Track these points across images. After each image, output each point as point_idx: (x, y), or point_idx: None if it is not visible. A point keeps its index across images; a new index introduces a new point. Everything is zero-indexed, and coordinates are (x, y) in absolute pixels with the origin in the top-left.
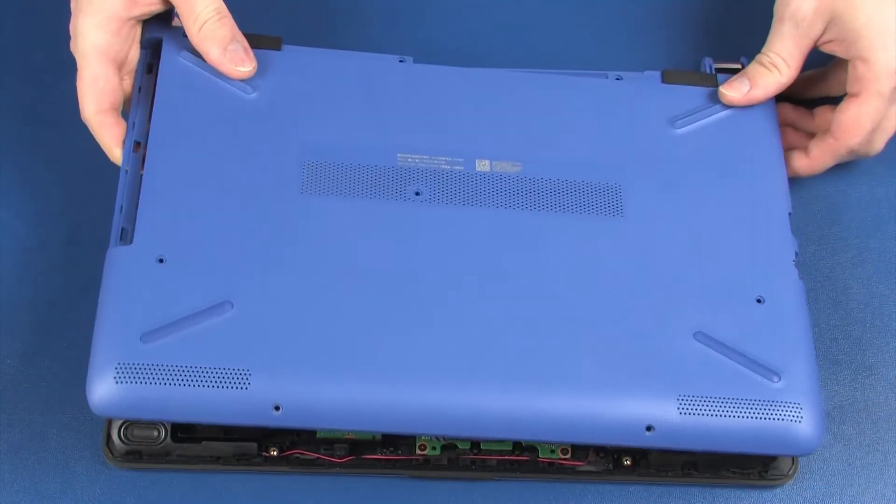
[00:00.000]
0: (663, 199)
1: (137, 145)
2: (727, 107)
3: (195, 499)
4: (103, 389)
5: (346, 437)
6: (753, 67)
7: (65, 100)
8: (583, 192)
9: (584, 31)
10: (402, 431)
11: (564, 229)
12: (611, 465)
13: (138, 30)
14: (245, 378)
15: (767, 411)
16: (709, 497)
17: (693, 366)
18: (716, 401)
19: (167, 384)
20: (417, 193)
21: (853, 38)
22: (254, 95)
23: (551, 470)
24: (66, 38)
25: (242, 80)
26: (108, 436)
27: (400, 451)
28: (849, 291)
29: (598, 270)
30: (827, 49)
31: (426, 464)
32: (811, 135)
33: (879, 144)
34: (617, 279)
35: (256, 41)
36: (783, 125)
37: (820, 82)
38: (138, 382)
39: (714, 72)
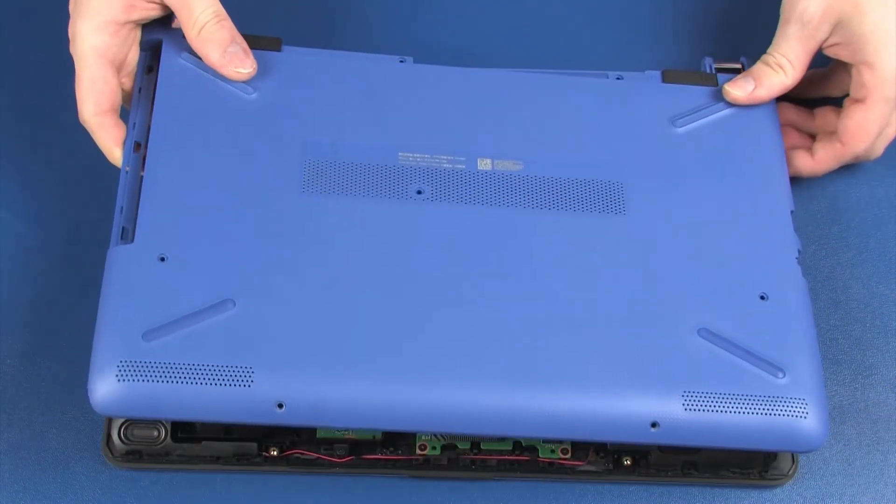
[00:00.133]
0: (665, 197)
1: (138, 146)
2: (728, 106)
3: (195, 499)
4: (105, 388)
5: (346, 437)
6: (759, 67)
7: (65, 100)
8: (585, 191)
9: (584, 32)
10: (405, 429)
11: (566, 227)
12: (611, 465)
13: (137, 33)
14: (248, 376)
15: (773, 407)
16: (709, 497)
17: (698, 362)
18: (721, 397)
19: (170, 382)
20: (419, 192)
21: (859, 42)
22: (254, 96)
23: (551, 470)
24: (65, 38)
25: (243, 82)
26: (108, 436)
27: (400, 451)
28: (849, 291)
29: (601, 268)
30: (831, 53)
31: (426, 464)
32: (812, 135)
33: (880, 149)
34: (620, 277)
35: (256, 42)
36: (784, 125)
37: (821, 83)
38: (141, 381)
39: (714, 71)
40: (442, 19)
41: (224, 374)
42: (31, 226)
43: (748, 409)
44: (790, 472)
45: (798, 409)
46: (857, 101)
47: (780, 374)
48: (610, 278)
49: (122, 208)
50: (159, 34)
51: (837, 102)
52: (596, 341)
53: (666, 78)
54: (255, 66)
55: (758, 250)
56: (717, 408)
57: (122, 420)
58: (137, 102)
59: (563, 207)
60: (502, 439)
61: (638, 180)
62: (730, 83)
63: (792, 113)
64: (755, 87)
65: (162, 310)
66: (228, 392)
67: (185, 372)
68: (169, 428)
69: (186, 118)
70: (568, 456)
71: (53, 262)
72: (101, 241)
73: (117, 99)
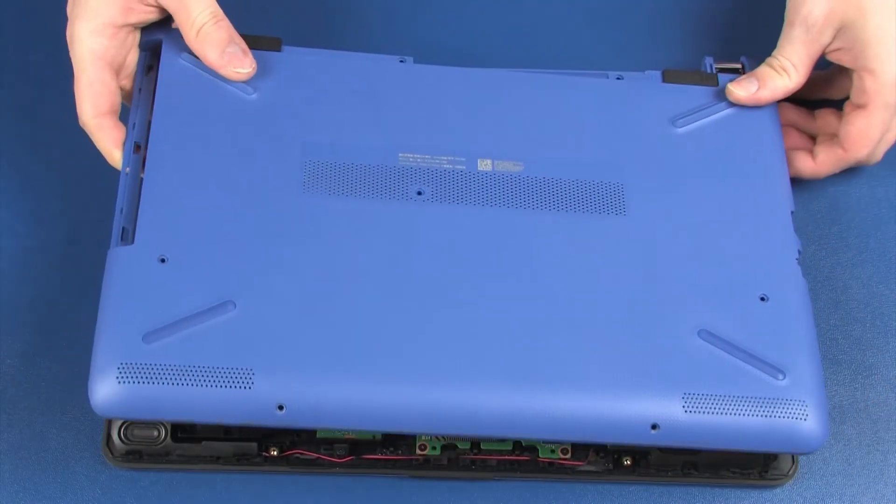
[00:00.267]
0: (665, 197)
1: (137, 147)
2: (729, 106)
3: (195, 499)
4: (106, 390)
5: (346, 437)
6: (763, 69)
7: (64, 100)
8: (585, 191)
9: (585, 32)
10: (406, 431)
11: (567, 228)
12: (611, 465)
13: (136, 36)
14: (248, 378)
15: (773, 409)
16: (709, 497)
17: (698, 364)
18: (721, 399)
19: (170, 384)
20: (419, 193)
21: (861, 47)
22: (254, 96)
23: (551, 470)
24: (66, 38)
25: (242, 82)
26: (108, 436)
27: (400, 451)
28: (849, 291)
29: (602, 269)
30: (834, 58)
31: (426, 464)
32: (813, 136)
33: (880, 154)
34: (620, 277)
35: (256, 42)
36: (785, 125)
37: (822, 85)
38: (141, 382)
39: (715, 71)
40: (442, 19)
41: (224, 375)
42: (31, 226)
43: (748, 411)
44: (790, 473)
45: (798, 410)
46: (859, 107)
47: (780, 376)
48: (610, 279)
49: (122, 209)
50: (159, 34)
51: (838, 104)
52: (596, 342)
53: (666, 78)
54: (254, 65)
55: (758, 251)
56: (717, 409)
57: (123, 420)
58: (137, 103)
59: (564, 208)
60: (502, 440)
61: (638, 180)
62: (733, 83)
63: (793, 114)
64: (758, 89)
65: (162, 311)
66: (229, 394)
67: (186, 374)
68: (169, 428)
69: (186, 119)
70: (568, 456)
71: (53, 262)
72: (101, 241)
73: (116, 101)
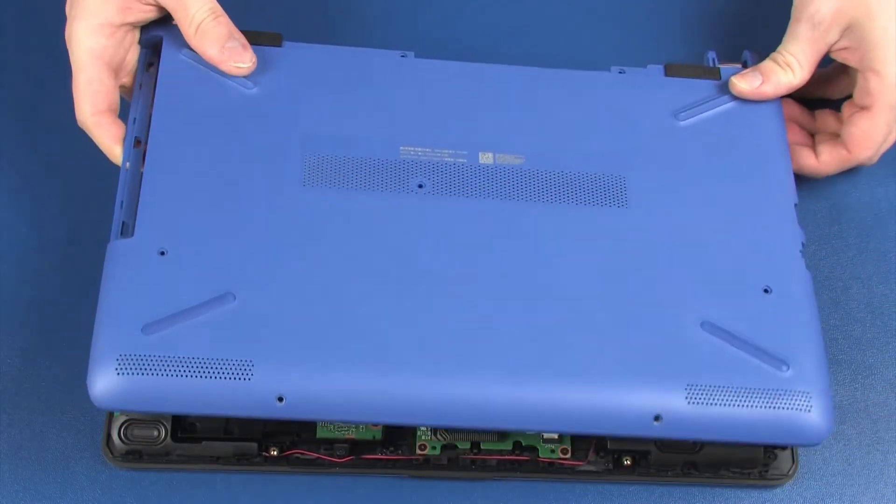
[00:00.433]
0: (668, 189)
1: (138, 142)
2: (732, 99)
3: (195, 499)
4: (105, 381)
5: (347, 437)
6: (767, 64)
7: (64, 100)
8: (587, 184)
9: (586, 32)
10: (407, 423)
11: (569, 220)
12: (611, 465)
13: (134, 34)
14: (248, 369)
15: (776, 400)
16: (709, 497)
17: (701, 355)
18: (724, 390)
19: (169, 376)
20: (420, 186)
21: (867, 48)
22: (255, 90)
23: (551, 470)
24: (65, 38)
25: (243, 77)
26: (108, 436)
27: (400, 451)
28: (849, 291)
29: (604, 261)
30: (839, 57)
31: (426, 464)
32: (813, 134)
33: (878, 155)
34: (622, 269)
35: (257, 38)
36: (788, 121)
37: (821, 84)
38: (140, 374)
39: (717, 66)
40: (442, 18)
41: (224, 367)
42: (31, 226)
43: (752, 403)
44: (790, 472)
45: (802, 402)
46: (863, 108)
47: (784, 367)
48: (612, 271)
49: (122, 203)
50: (159, 32)
51: (835, 105)
52: (598, 334)
53: (669, 72)
54: (254, 60)
55: (761, 243)
56: (720, 401)
57: (123, 420)
58: (137, 98)
59: (565, 201)
60: (503, 437)
61: (640, 173)
62: (737, 76)
63: (795, 110)
64: (762, 83)
65: (162, 303)
66: (228, 385)
67: (185, 365)
68: (169, 428)
69: (187, 113)
70: (568, 456)
71: (53, 262)
72: (101, 241)
73: (114, 99)
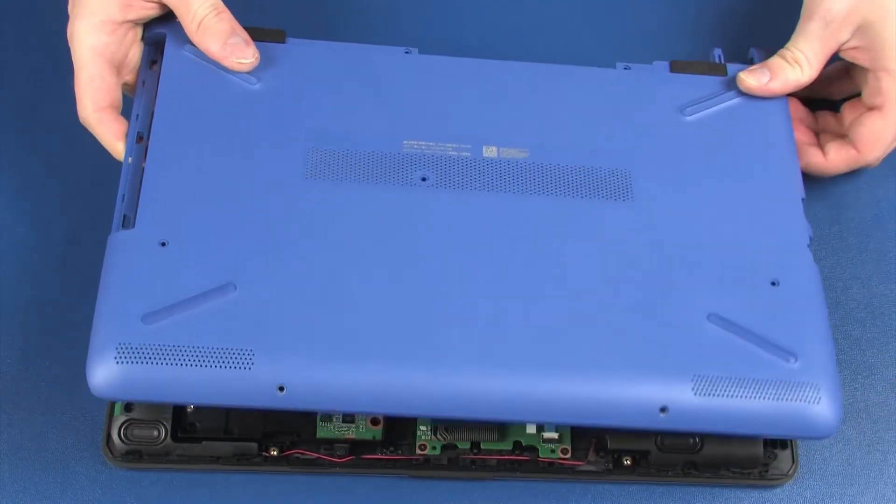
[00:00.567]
0: (674, 183)
1: (140, 137)
2: (738, 94)
3: (195, 499)
4: (104, 371)
5: (346, 437)
6: (776, 60)
7: (64, 100)
8: (591, 178)
9: (591, 29)
10: (408, 413)
11: (573, 213)
12: (611, 465)
13: (136, 32)
14: (248, 358)
15: (784, 392)
16: (709, 497)
17: (708, 347)
18: (731, 381)
19: (169, 365)
20: (424, 179)
21: (880, 47)
22: (258, 86)
23: (551, 470)
24: (66, 38)
25: (246, 72)
26: (108, 436)
27: (400, 451)
28: (849, 291)
29: (609, 254)
30: (849, 56)
31: (426, 464)
32: (816, 133)
33: (884, 156)
34: (628, 262)
35: (260, 34)
36: (794, 120)
37: (823, 84)
38: (139, 363)
39: (723, 62)
40: (445, 16)
41: (224, 356)
42: (31, 226)
43: (759, 394)
44: (790, 472)
45: (810, 394)
46: (873, 108)
47: (792, 359)
48: (618, 264)
49: (123, 196)
50: (163, 29)
51: (835, 106)
52: (605, 326)
53: (674, 68)
54: (257, 55)
55: (768, 237)
56: (727, 392)
57: (123, 420)
58: (140, 94)
59: (570, 194)
60: (503, 437)
61: (645, 166)
62: (745, 72)
63: (800, 109)
64: (770, 80)
65: (162, 293)
66: (229, 375)
67: (185, 355)
68: (169, 428)
69: (189, 108)
70: (568, 456)
71: (53, 261)
72: (101, 241)
73: (116, 96)
